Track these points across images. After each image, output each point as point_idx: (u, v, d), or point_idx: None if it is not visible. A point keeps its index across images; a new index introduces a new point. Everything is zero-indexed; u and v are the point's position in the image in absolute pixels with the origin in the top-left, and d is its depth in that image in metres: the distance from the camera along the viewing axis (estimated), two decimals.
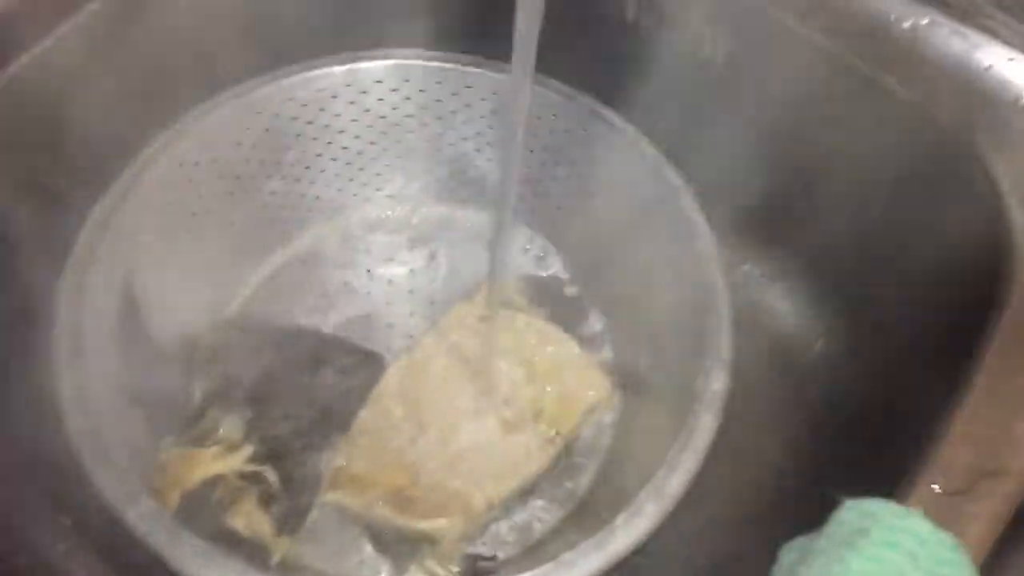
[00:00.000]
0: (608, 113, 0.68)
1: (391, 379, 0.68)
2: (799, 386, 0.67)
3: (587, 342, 0.71)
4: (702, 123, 0.69)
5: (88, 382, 0.54)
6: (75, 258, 0.57)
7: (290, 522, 0.55)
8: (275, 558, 0.54)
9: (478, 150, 0.75)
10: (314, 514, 0.58)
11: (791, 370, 0.68)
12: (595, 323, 0.73)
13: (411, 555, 0.62)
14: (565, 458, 0.67)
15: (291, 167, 0.71)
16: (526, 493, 0.65)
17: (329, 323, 0.69)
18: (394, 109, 0.72)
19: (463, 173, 0.76)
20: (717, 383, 0.57)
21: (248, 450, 0.56)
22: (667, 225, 0.65)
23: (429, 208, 0.78)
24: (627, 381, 0.69)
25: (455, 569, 0.60)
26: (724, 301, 0.60)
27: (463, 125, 0.73)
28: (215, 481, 0.55)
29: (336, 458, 0.61)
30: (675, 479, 0.54)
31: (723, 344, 0.59)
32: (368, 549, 0.62)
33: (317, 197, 0.74)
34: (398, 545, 0.62)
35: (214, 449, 0.55)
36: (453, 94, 0.71)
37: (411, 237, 0.76)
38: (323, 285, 0.73)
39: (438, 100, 0.71)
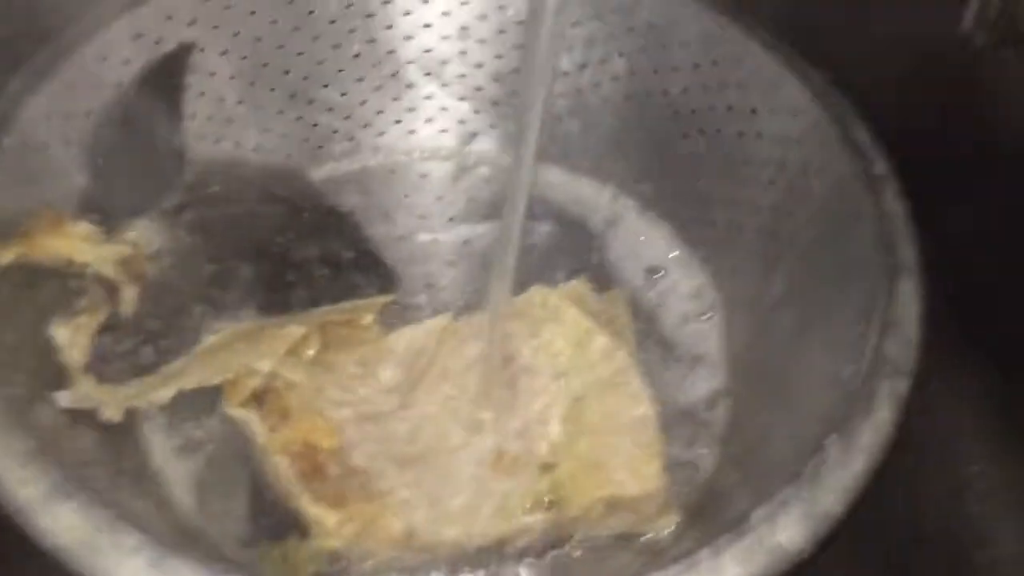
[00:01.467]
0: None
1: (413, 336, 0.51)
2: None
3: (681, 433, 0.48)
4: None
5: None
6: None
7: (113, 366, 0.40)
8: (67, 393, 0.39)
9: None
10: (166, 392, 0.42)
11: None
12: (718, 412, 0.50)
13: (273, 538, 0.43)
14: (551, 550, 0.45)
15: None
16: (466, 562, 0.44)
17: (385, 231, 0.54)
18: None
19: None
20: (788, 536, 0.33)
21: (126, 251, 0.42)
22: None
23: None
24: (706, 506, 0.46)
25: None
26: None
27: None
28: (69, 269, 0.41)
29: (254, 354, 0.44)
30: None
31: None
32: (240, 502, 0.45)
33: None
34: (271, 514, 0.44)
35: (92, 228, 0.41)
36: None
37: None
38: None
39: None
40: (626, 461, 0.45)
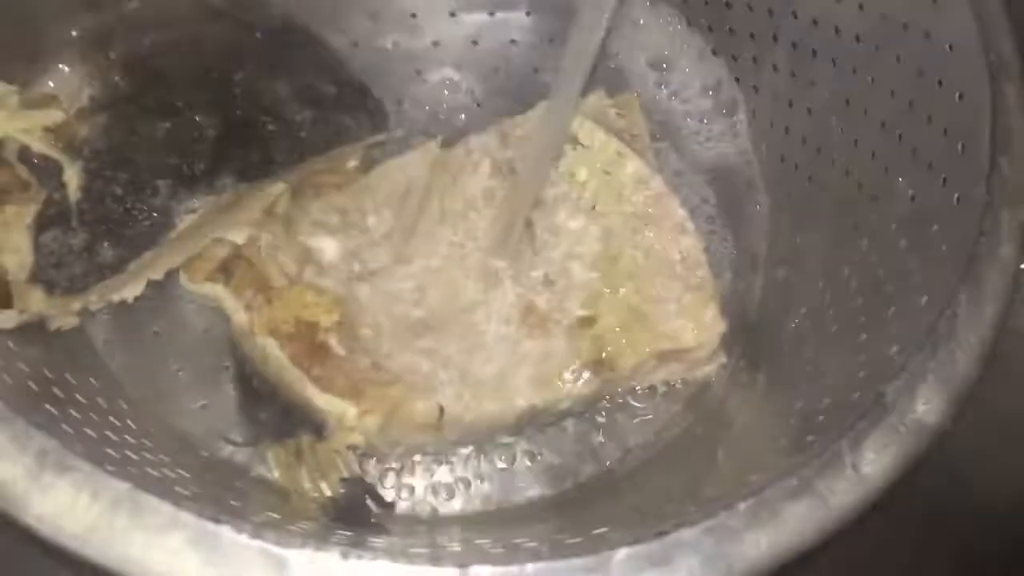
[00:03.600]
0: None
1: (396, 168, 0.43)
2: None
3: (724, 260, 0.43)
4: None
5: None
6: None
7: (67, 271, 0.31)
8: (11, 315, 0.30)
9: None
10: (132, 288, 0.34)
11: None
12: (756, 236, 0.45)
13: (277, 434, 0.37)
14: (594, 409, 0.40)
15: None
16: (503, 430, 0.39)
17: (342, 41, 0.44)
18: None
19: None
20: (927, 409, 0.29)
21: (57, 116, 0.32)
22: None
23: None
24: (758, 344, 0.42)
25: (321, 492, 0.35)
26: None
27: None
28: None
29: (223, 225, 0.36)
30: (754, 541, 0.27)
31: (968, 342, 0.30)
32: (224, 392, 0.38)
33: None
34: (269, 407, 0.38)
35: (4, 87, 0.31)
36: None
37: None
38: None
39: None
40: (680, 308, 0.39)
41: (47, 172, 0.32)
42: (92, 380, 0.34)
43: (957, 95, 0.36)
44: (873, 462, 0.28)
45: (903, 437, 0.29)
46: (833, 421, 0.30)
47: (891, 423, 0.29)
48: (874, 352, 0.32)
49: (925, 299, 0.32)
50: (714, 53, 0.49)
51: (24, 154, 0.32)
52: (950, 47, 0.37)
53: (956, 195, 0.34)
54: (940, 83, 0.37)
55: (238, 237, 0.37)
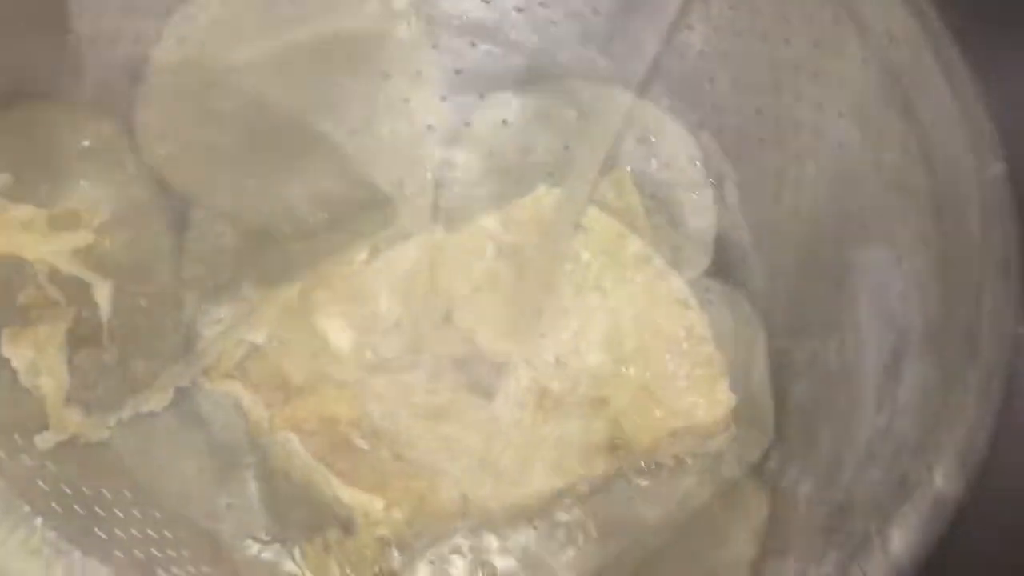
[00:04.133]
0: None
1: (400, 255, 0.43)
2: None
3: (724, 331, 0.44)
4: None
5: None
6: None
7: (101, 389, 0.32)
8: (49, 436, 0.31)
9: None
10: (161, 399, 0.34)
11: None
12: (753, 307, 0.46)
13: (305, 530, 0.37)
14: (611, 487, 0.41)
15: None
16: (529, 515, 0.40)
17: (340, 131, 0.45)
18: None
19: None
20: (947, 484, 0.31)
21: (88, 239, 0.32)
22: None
23: (573, 49, 0.52)
24: (764, 416, 0.43)
25: None
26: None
27: None
28: (20, 270, 0.31)
29: (244, 327, 0.36)
30: None
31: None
32: (247, 488, 0.38)
33: None
34: (294, 503, 0.38)
35: (33, 211, 0.31)
36: None
37: (529, 66, 0.50)
38: (360, 88, 0.48)
39: None
40: (689, 385, 0.41)
41: (74, 288, 0.33)
42: (126, 492, 0.34)
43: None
44: (900, 540, 0.29)
45: (926, 513, 0.30)
46: (857, 501, 0.31)
47: (914, 501, 0.30)
48: (888, 427, 0.34)
49: (938, 374, 0.33)
50: (700, 126, 0.51)
51: (53, 274, 0.32)
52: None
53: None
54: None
55: (257, 337, 0.37)
